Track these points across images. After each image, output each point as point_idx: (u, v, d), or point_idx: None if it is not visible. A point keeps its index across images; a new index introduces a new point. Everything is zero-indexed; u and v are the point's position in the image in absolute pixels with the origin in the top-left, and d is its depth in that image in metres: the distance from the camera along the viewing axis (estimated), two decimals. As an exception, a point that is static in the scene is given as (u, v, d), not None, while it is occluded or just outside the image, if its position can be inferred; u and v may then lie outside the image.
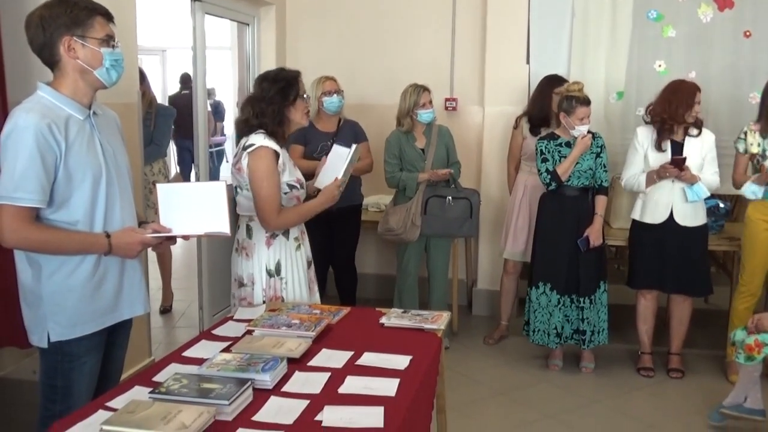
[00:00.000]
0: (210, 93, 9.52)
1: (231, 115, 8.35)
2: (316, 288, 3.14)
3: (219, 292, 4.69)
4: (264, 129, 2.83)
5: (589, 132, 4.08)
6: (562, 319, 4.20)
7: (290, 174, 2.89)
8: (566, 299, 4.17)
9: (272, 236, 2.91)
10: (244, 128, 2.88)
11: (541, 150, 4.15)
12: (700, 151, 4.06)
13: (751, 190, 3.94)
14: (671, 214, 4.07)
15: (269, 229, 2.89)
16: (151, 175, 4.85)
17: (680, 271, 4.11)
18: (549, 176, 4.10)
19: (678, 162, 3.96)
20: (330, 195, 2.95)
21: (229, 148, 5.02)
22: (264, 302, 2.89)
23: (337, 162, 3.05)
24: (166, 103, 7.48)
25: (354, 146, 3.08)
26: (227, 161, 8.70)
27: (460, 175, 4.59)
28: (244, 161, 2.80)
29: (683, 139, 4.07)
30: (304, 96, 2.92)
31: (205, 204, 2.35)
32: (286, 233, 2.94)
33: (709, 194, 4.04)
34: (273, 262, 2.92)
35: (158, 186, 2.38)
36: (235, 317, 2.70)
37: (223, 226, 2.35)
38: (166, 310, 5.28)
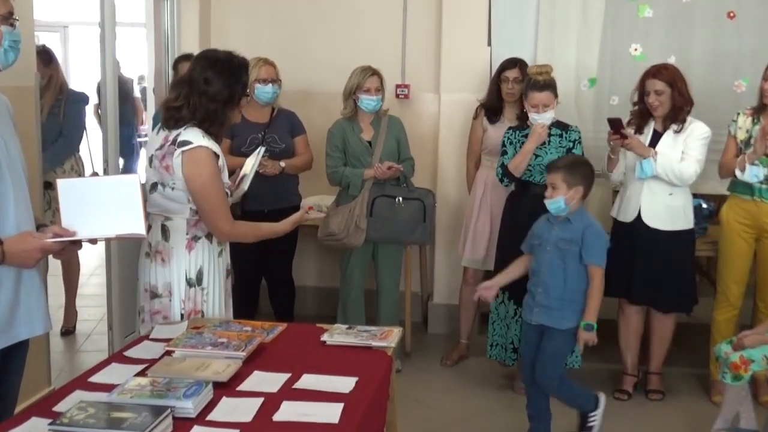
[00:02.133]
0: (140, 79, 9.39)
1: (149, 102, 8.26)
2: (230, 302, 3.15)
3: (132, 309, 4.60)
4: (199, 125, 2.83)
5: (561, 124, 4.18)
6: (520, 333, 4.27)
7: (225, 177, 2.93)
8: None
9: (194, 239, 2.91)
10: (174, 116, 2.84)
11: (503, 141, 4.24)
12: (681, 141, 4.08)
13: (753, 173, 3.95)
14: (640, 212, 4.14)
15: (222, 239, 2.93)
16: (61, 174, 4.76)
17: (649, 282, 4.14)
18: (501, 170, 4.20)
19: (614, 124, 4.02)
20: (292, 223, 3.09)
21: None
22: (182, 316, 2.89)
23: (247, 168, 3.14)
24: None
25: (260, 149, 3.24)
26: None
27: (414, 173, 4.63)
28: (176, 159, 2.78)
29: (663, 131, 4.15)
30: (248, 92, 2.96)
31: (116, 201, 2.33)
32: (209, 236, 2.94)
33: (652, 173, 4.01)
34: (194, 269, 2.92)
35: (58, 182, 2.35)
36: (151, 336, 2.68)
37: (138, 227, 2.33)
38: (68, 331, 5.19)
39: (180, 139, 2.79)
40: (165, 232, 2.91)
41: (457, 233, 5.02)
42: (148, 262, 2.96)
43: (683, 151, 4.07)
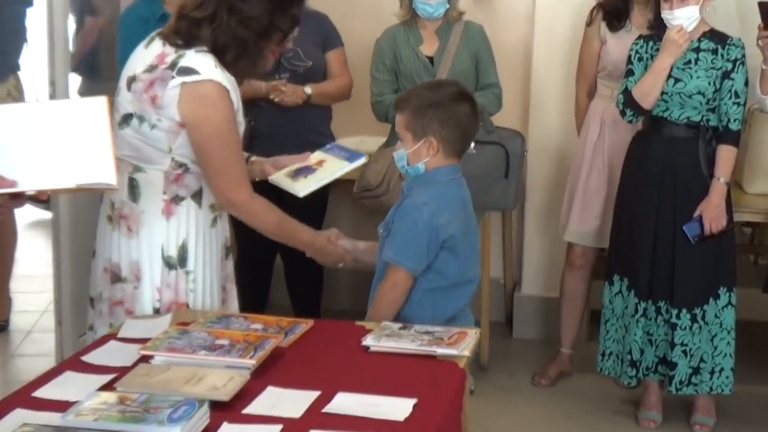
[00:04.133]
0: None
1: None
2: (234, 292, 3.20)
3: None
4: (215, 53, 2.86)
5: (717, 34, 4.11)
6: (642, 339, 4.25)
7: (240, 118, 2.99)
8: (650, 307, 4.23)
9: (174, 200, 2.94)
10: (186, 31, 2.87)
11: (629, 56, 4.20)
12: None
13: None
14: None
15: (233, 212, 3.01)
16: None
17: None
18: (623, 98, 4.16)
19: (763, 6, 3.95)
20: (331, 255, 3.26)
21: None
22: (156, 311, 2.92)
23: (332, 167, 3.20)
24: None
25: (362, 159, 3.27)
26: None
27: (500, 105, 4.61)
28: (171, 91, 2.82)
29: None
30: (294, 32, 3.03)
31: (74, 137, 2.34)
32: (197, 197, 2.98)
33: None
34: (175, 242, 2.95)
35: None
36: (120, 335, 2.70)
37: (106, 174, 2.34)
38: (0, 326, 5.29)
39: (182, 63, 2.82)
40: (134, 188, 2.94)
41: (559, 194, 5.01)
42: (110, 230, 2.99)
43: None
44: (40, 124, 2.40)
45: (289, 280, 4.82)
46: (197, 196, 2.97)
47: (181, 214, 2.95)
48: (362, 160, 3.29)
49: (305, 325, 2.78)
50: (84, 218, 4.51)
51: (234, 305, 3.19)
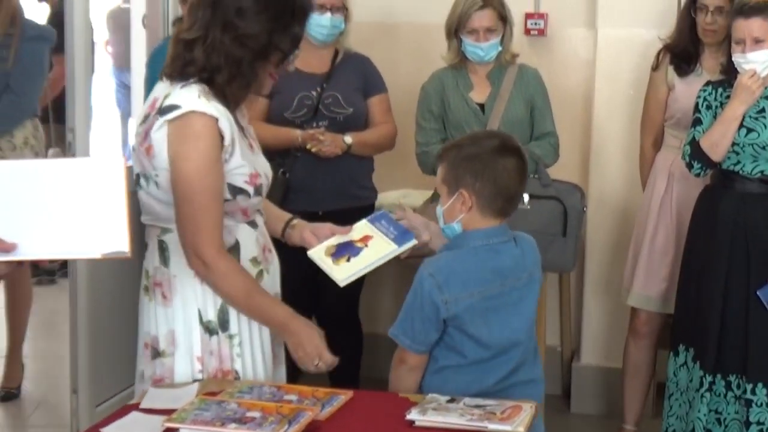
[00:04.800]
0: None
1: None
2: (282, 356, 3.16)
3: (108, 365, 4.68)
4: (206, 80, 2.84)
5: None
6: (709, 417, 4.19)
7: (241, 160, 2.90)
8: (719, 382, 4.17)
9: None
10: (181, 58, 2.86)
11: (697, 103, 4.18)
12: None
13: None
14: None
15: (199, 272, 2.87)
16: (10, 150, 4.85)
17: None
18: (690, 150, 4.13)
19: None
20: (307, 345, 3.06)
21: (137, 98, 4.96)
22: (198, 382, 2.90)
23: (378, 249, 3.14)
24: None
25: (413, 241, 3.19)
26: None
27: (557, 156, 4.62)
28: (156, 134, 2.81)
29: None
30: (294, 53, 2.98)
31: (88, 199, 2.35)
32: (234, 251, 2.94)
33: None
34: (213, 305, 2.92)
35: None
36: (142, 405, 2.70)
37: (120, 242, 2.34)
38: (10, 395, 5.31)
39: (165, 103, 2.81)
40: (164, 251, 2.93)
41: (622, 254, 5.00)
42: (146, 301, 2.98)
43: None
44: (50, 183, 2.41)
45: (326, 344, 4.80)
46: (234, 251, 2.93)
47: None
48: (412, 243, 3.19)
49: (344, 396, 2.77)
50: (101, 279, 4.53)
51: (281, 372, 3.16)
